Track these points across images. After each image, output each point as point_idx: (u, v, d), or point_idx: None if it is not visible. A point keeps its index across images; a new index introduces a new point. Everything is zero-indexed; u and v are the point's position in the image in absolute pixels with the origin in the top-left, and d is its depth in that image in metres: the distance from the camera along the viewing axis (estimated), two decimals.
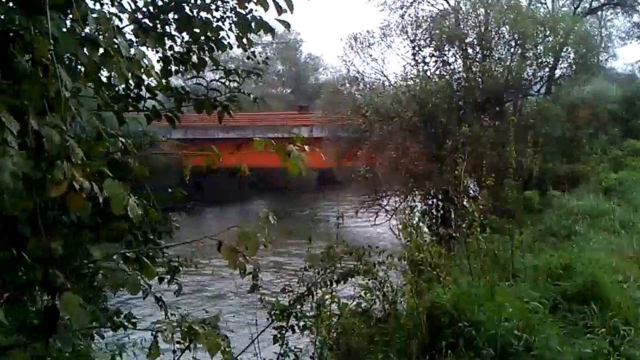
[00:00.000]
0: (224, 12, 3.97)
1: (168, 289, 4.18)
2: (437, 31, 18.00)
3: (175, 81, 4.39)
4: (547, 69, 19.03)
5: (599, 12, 26.20)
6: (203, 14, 3.84)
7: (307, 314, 5.33)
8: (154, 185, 2.95)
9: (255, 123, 31.17)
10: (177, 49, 3.96)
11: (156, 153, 4.01)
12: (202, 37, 3.91)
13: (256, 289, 4.48)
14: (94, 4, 3.44)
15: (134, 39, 3.51)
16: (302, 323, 5.19)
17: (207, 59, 4.05)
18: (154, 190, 2.94)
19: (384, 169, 18.73)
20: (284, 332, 5.04)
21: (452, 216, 14.10)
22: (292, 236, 15.73)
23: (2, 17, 2.26)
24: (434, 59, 18.43)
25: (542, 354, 4.71)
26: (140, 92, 3.60)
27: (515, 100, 18.58)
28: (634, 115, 19.48)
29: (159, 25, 3.74)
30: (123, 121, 3.51)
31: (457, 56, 18.47)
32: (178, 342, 2.58)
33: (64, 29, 2.37)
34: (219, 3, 3.93)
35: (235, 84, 4.23)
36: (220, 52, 4.10)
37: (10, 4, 2.37)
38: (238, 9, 3.82)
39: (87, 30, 2.52)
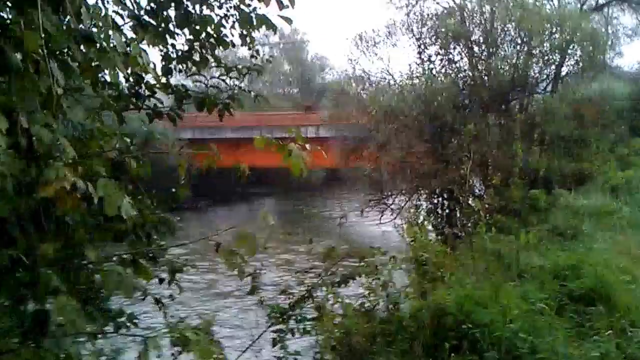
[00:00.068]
0: (227, 10, 3.92)
1: (170, 289, 4.12)
2: (443, 29, 17.89)
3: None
4: (553, 67, 18.89)
5: (605, 9, 25.98)
6: (205, 12, 3.80)
7: (308, 316, 5.26)
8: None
9: (262, 123, 31.29)
10: (178, 46, 3.92)
11: (155, 152, 3.95)
12: (204, 35, 3.86)
13: (255, 291, 4.42)
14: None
15: (134, 35, 3.46)
16: (302, 326, 5.11)
17: (209, 57, 4.00)
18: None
19: (390, 168, 18.69)
20: (283, 335, 4.98)
21: (458, 215, 14.06)
22: (300, 234, 15.80)
23: None
24: (439, 57, 18.33)
25: (548, 357, 4.63)
26: (140, 90, 3.55)
27: (521, 99, 18.45)
28: None
29: (161, 23, 3.69)
30: (123, 120, 3.46)
31: (463, 54, 18.37)
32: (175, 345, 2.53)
33: (58, 24, 2.32)
34: (222, 0, 3.88)
35: (237, 82, 4.18)
36: (223, 49, 4.06)
37: None
38: (241, 6, 3.79)
39: (81, 26, 2.47)
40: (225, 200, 33.01)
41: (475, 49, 18.17)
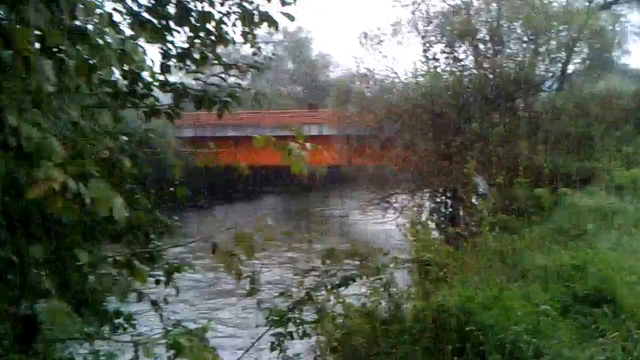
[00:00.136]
0: (230, 7, 3.87)
1: (169, 289, 4.07)
2: (448, 27, 17.81)
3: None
4: (559, 65, 18.76)
5: (613, 7, 25.77)
6: (206, 8, 3.74)
7: (308, 319, 5.18)
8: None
9: (265, 121, 31.32)
10: (178, 44, 3.86)
11: (155, 152, 3.90)
12: (203, 31, 3.81)
13: (254, 293, 4.37)
14: None
15: (132, 33, 3.41)
16: (301, 329, 5.05)
17: (209, 54, 3.94)
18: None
19: (393, 166, 18.65)
20: (282, 339, 4.91)
21: (461, 214, 14.00)
22: (303, 232, 15.77)
23: None
24: (444, 55, 18.24)
25: None
26: (137, 88, 3.49)
27: (527, 97, 18.33)
28: None
29: (160, 20, 3.64)
30: (120, 119, 3.41)
31: (468, 52, 18.26)
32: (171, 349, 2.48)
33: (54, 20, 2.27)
34: None
35: (239, 80, 4.13)
36: (224, 47, 4.00)
37: None
38: (243, 3, 3.74)
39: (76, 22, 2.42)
40: (233, 198, 33.08)
41: (481, 47, 18.07)
